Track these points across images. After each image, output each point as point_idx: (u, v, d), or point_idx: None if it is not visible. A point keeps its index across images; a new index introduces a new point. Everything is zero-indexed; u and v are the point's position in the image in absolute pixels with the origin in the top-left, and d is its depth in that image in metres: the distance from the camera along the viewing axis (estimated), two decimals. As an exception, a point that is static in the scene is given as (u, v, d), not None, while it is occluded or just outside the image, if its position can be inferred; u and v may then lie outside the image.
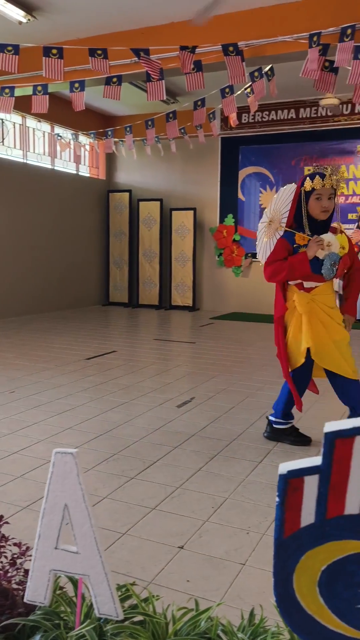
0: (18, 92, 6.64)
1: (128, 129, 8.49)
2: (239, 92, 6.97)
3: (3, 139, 8.57)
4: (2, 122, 8.48)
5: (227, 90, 6.29)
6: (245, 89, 6.77)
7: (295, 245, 3.09)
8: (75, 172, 10.57)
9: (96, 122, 10.40)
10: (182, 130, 8.23)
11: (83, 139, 10.43)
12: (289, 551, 0.94)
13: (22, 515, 2.39)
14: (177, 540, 2.21)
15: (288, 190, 3.21)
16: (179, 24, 6.27)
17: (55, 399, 4.28)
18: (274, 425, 3.35)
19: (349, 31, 4.90)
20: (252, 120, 9.84)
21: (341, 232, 3.12)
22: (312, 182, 2.99)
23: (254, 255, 10.11)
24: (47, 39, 6.85)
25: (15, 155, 9.06)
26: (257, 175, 10.10)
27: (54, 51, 5.35)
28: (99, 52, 5.44)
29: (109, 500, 2.55)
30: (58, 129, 9.90)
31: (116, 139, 9.23)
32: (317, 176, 2.99)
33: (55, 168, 10.01)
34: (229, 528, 2.30)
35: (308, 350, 3.07)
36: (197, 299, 10.73)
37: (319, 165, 3.28)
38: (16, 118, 9.00)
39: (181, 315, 9.92)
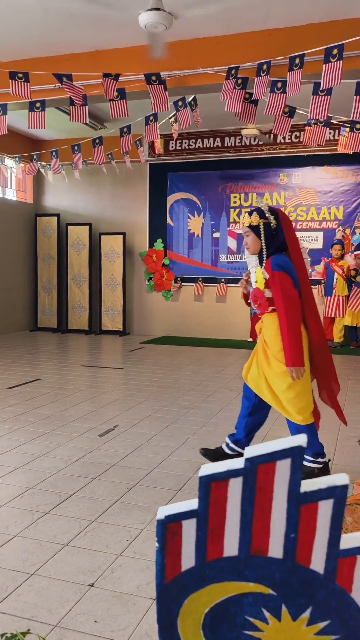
0: None
1: (54, 153, 8.43)
2: (164, 121, 7.10)
3: None
4: None
5: (151, 118, 6.38)
6: (170, 117, 6.91)
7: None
8: (1, 195, 10.36)
9: (22, 146, 10.27)
10: (110, 156, 8.26)
11: (10, 162, 10.26)
12: (171, 596, 0.93)
13: None
14: (88, 577, 2.13)
15: None
16: (103, 52, 6.34)
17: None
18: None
19: (264, 67, 5.11)
20: (179, 148, 10.02)
21: (267, 265, 3.09)
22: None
23: (183, 280, 10.22)
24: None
25: None
26: (185, 201, 10.26)
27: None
28: (20, 75, 5.40)
29: (19, 539, 2.44)
30: (-17, 152, 9.68)
31: (43, 163, 9.14)
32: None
33: (-20, 191, 9.76)
34: (142, 561, 2.25)
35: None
36: (128, 324, 10.68)
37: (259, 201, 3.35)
38: None
39: (111, 340, 9.83)
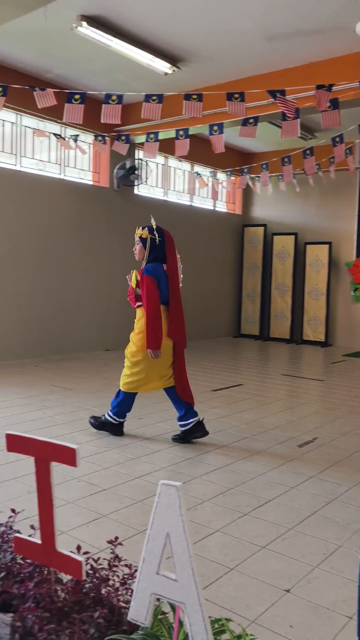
0: (162, 136, 7.14)
1: (264, 165, 8.66)
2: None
3: (147, 179, 9.18)
4: (147, 163, 9.10)
5: (366, 125, 6.19)
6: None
7: None
8: (212, 208, 10.96)
9: (234, 160, 10.73)
10: (317, 166, 8.21)
11: (221, 176, 10.81)
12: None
13: (138, 538, 2.53)
14: (285, 582, 2.20)
15: None
16: (316, 64, 6.35)
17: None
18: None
19: None
20: (394, 153, 9.50)
21: (141, 269, 4.07)
22: None
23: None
24: (189, 86, 7.30)
25: (156, 193, 9.65)
26: None
27: (194, 96, 5.69)
28: (236, 95, 5.68)
29: (220, 534, 2.61)
30: (197, 168, 10.37)
31: (252, 175, 9.44)
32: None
33: (193, 204, 10.46)
34: (339, 578, 2.25)
35: None
36: (330, 335, 10.45)
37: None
38: (159, 159, 9.60)
39: (312, 350, 9.73)
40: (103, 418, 4.21)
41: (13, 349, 7.34)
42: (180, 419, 4.11)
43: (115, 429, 4.19)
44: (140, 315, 4.10)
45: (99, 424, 4.22)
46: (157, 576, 1.40)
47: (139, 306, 4.10)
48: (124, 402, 4.16)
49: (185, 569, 1.36)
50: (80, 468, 3.43)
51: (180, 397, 4.10)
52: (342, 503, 3.02)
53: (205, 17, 5.49)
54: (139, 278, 4.06)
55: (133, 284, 4.13)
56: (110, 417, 4.17)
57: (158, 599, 1.44)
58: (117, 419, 4.17)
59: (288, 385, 6.54)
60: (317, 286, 10.43)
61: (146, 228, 4.09)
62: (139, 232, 4.11)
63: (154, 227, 4.09)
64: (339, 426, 4.65)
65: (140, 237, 4.09)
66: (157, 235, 4.07)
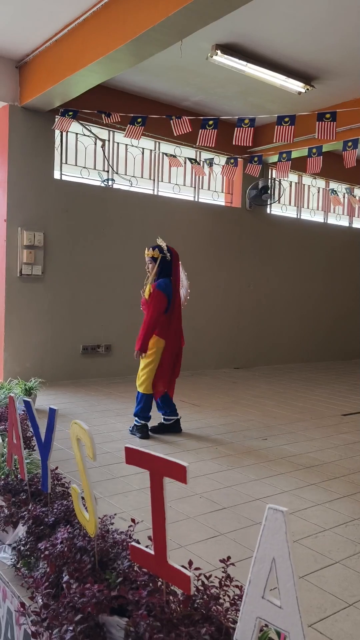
0: (294, 155, 7.11)
1: None
2: None
3: (280, 197, 9.16)
4: (280, 182, 9.08)
5: None
6: None
7: None
8: (348, 225, 10.61)
9: (373, 174, 10.31)
10: None
11: (358, 191, 10.44)
12: None
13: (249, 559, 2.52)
14: None
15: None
16: None
17: (304, 452, 4.35)
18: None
19: None
20: None
21: (154, 284, 4.65)
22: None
23: None
24: (323, 103, 7.19)
25: (289, 212, 9.58)
26: None
27: (327, 116, 5.61)
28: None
29: (340, 566, 2.51)
30: (333, 184, 10.13)
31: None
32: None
33: (328, 222, 10.21)
34: None
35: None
36: None
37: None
38: (292, 177, 9.54)
39: None
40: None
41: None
42: (164, 414, 4.83)
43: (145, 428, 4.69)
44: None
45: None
46: (263, 600, 1.40)
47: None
48: (146, 403, 4.73)
49: (290, 597, 1.34)
50: (202, 485, 3.50)
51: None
52: None
53: (336, 33, 5.41)
54: (151, 291, 4.66)
55: (147, 296, 4.69)
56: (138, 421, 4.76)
57: (266, 625, 1.44)
58: (142, 421, 4.71)
59: None
60: None
61: (156, 249, 4.66)
62: (150, 252, 4.68)
63: (165, 247, 4.67)
64: None
65: (152, 257, 4.66)
66: (167, 254, 4.67)
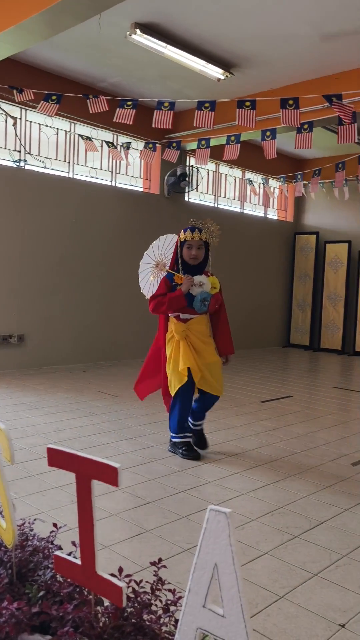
0: (213, 143, 7.06)
1: (317, 172, 8.46)
2: None
3: (197, 185, 9.12)
4: (198, 170, 9.04)
5: None
6: None
7: (173, 284, 3.80)
8: (263, 215, 10.79)
9: (286, 166, 10.54)
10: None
11: (273, 182, 10.64)
12: None
13: (182, 557, 2.43)
14: (339, 616, 2.05)
15: (169, 239, 3.99)
16: (376, 66, 6.13)
17: (226, 440, 4.32)
18: (172, 439, 3.92)
19: None
20: None
21: (212, 274, 3.86)
22: (185, 234, 3.78)
23: None
24: (242, 91, 7.19)
25: (207, 200, 9.57)
26: None
27: (247, 103, 5.59)
28: (291, 102, 5.54)
29: (269, 557, 2.48)
30: (249, 174, 10.24)
31: (305, 182, 9.24)
32: (189, 230, 3.76)
33: (244, 212, 10.33)
34: None
35: (189, 370, 3.71)
36: (385, 347, 10.07)
37: (195, 220, 3.91)
38: (210, 165, 9.53)
39: (365, 362, 9.39)
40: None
41: (63, 354, 7.39)
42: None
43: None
44: (206, 322, 3.94)
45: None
46: (204, 610, 1.29)
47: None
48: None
49: (234, 604, 1.24)
50: (125, 479, 3.36)
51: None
52: None
53: (258, 22, 5.39)
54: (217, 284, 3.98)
55: (216, 288, 3.87)
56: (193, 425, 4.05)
57: (205, 635, 1.34)
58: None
59: (340, 398, 6.30)
60: (371, 296, 10.08)
61: (204, 230, 3.82)
62: (203, 235, 3.78)
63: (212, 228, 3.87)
64: None
65: (205, 241, 3.82)
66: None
